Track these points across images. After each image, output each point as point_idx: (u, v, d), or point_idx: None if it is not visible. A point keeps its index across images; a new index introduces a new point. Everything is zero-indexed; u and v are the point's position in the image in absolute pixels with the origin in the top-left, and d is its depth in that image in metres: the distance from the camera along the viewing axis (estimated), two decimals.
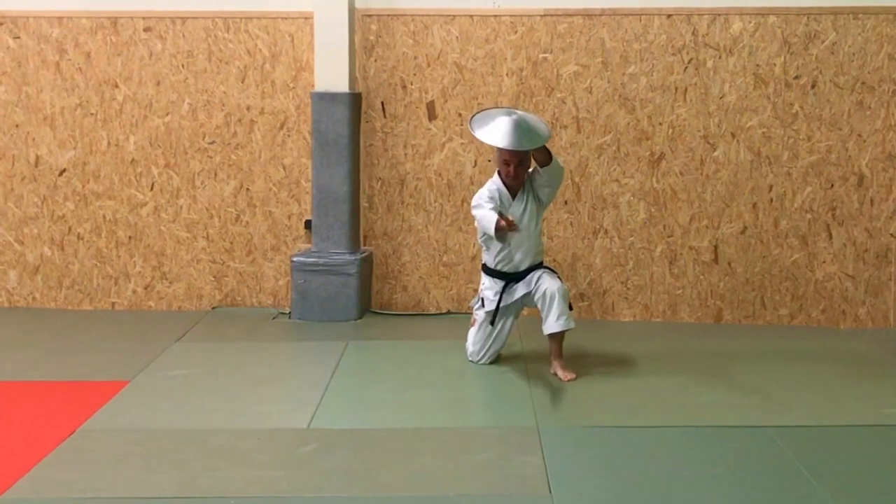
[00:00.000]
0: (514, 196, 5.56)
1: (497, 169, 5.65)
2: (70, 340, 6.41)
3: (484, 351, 5.77)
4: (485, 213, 5.45)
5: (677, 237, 6.89)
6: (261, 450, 4.46)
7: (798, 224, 6.81)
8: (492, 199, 5.52)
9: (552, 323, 5.48)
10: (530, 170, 5.59)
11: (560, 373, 5.54)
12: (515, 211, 5.51)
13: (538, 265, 5.67)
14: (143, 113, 7.06)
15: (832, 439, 4.64)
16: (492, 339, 5.74)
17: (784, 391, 5.37)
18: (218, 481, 4.12)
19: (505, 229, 5.33)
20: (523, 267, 5.60)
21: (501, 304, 5.61)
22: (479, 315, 5.75)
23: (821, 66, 6.71)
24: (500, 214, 5.41)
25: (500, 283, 5.63)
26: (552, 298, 5.47)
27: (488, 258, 5.69)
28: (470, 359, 5.82)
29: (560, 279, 5.61)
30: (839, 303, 6.86)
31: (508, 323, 5.76)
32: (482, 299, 5.74)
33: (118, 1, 7.01)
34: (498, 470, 4.25)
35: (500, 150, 5.47)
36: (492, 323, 5.67)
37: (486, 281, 5.72)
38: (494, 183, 5.60)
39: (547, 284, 5.51)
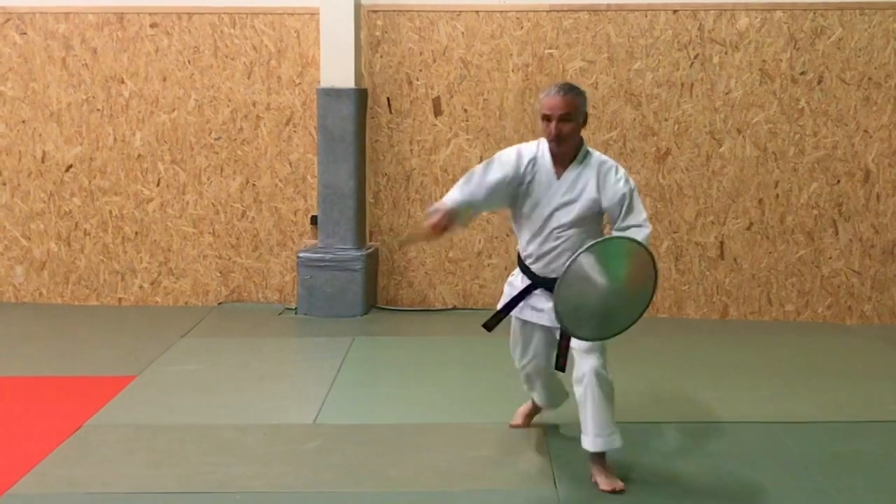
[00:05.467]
0: (560, 173, 4.01)
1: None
2: (76, 336, 6.42)
3: (519, 362, 4.36)
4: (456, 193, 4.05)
5: (683, 233, 6.89)
6: (266, 445, 4.47)
7: (804, 220, 6.80)
8: (502, 167, 4.02)
9: (589, 440, 3.99)
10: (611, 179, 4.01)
11: (600, 481, 4.00)
12: (553, 195, 4.00)
13: None
14: (149, 109, 7.06)
15: (838, 435, 4.64)
16: (519, 352, 4.32)
17: (790, 387, 5.36)
18: (224, 476, 4.13)
19: (430, 227, 3.93)
20: (554, 274, 3.92)
21: (516, 314, 4.18)
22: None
23: (827, 61, 6.69)
24: (452, 210, 3.97)
25: (524, 283, 4.13)
26: (587, 400, 3.96)
27: (519, 245, 4.21)
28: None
29: (600, 354, 3.96)
30: (845, 299, 6.84)
31: (538, 346, 4.24)
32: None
33: None
34: (504, 466, 4.25)
35: (540, 102, 4.02)
36: (487, 326, 4.19)
37: (514, 272, 4.27)
38: (537, 148, 4.07)
39: (585, 375, 3.95)
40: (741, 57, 6.72)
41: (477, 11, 6.87)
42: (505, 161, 4.05)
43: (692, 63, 6.76)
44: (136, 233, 7.17)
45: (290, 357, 6.14)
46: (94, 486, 4.04)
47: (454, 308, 7.11)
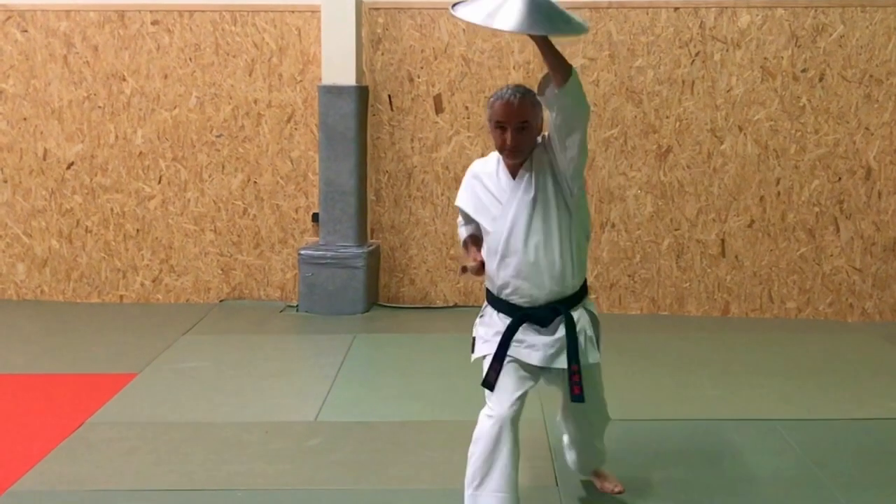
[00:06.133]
0: (515, 174, 3.50)
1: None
2: (78, 333, 6.43)
3: (497, 408, 3.68)
4: (459, 231, 3.82)
5: (684, 230, 6.89)
6: (268, 442, 4.48)
7: (805, 217, 6.80)
8: (467, 195, 3.63)
9: (577, 468, 4.07)
10: (544, 134, 3.52)
11: (598, 483, 4.06)
12: (510, 200, 3.48)
13: (571, 300, 3.54)
14: (150, 106, 7.07)
15: (838, 432, 4.64)
16: (505, 394, 3.66)
17: (791, 384, 5.36)
18: (225, 474, 4.13)
19: (465, 272, 3.56)
20: (541, 300, 3.50)
21: (505, 353, 3.57)
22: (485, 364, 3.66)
23: (828, 59, 6.69)
24: (472, 244, 3.70)
25: (504, 320, 3.56)
26: (582, 447, 3.97)
27: (488, 280, 3.62)
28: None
29: (601, 393, 3.90)
30: (846, 296, 6.84)
31: (526, 388, 3.63)
32: (473, 341, 3.74)
33: None
34: None
35: (490, 106, 3.46)
36: (488, 384, 3.65)
37: (485, 311, 3.70)
38: (488, 161, 3.63)
39: (579, 427, 3.89)
40: (742, 54, 6.72)
41: None
42: (464, 198, 3.65)
43: (693, 60, 6.76)
44: (138, 230, 7.17)
45: (291, 354, 6.14)
46: (95, 484, 4.05)
47: (455, 305, 7.11)
